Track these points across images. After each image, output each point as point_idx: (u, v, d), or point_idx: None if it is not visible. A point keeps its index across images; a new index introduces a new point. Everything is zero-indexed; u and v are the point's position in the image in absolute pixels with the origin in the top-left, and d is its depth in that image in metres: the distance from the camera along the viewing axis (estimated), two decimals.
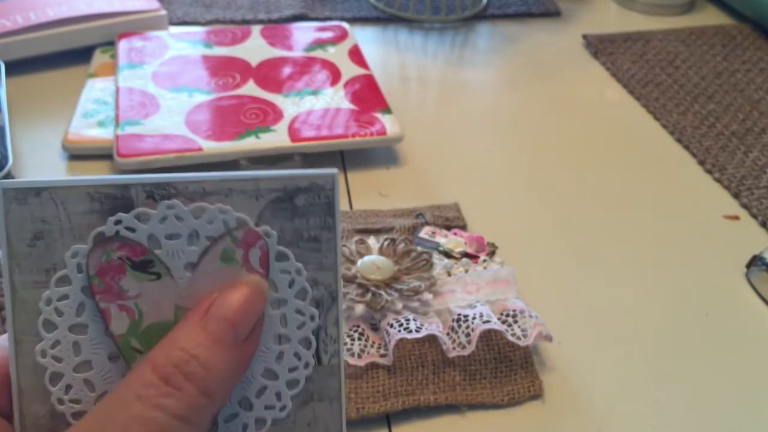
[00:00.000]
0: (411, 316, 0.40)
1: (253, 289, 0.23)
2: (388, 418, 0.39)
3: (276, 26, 0.73)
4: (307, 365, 0.24)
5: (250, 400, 0.24)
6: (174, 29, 0.73)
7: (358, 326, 0.40)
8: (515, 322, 0.41)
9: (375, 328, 0.41)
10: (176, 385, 0.21)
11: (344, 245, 0.44)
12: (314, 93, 0.62)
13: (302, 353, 0.24)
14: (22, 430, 0.23)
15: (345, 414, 0.25)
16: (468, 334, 0.40)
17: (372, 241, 0.45)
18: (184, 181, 0.23)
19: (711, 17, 0.87)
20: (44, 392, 0.23)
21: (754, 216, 0.55)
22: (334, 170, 0.24)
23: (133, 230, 0.23)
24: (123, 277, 0.23)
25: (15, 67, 0.65)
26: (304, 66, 0.66)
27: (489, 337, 0.42)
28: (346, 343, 0.39)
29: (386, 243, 0.44)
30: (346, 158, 0.59)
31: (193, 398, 0.21)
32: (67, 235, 0.23)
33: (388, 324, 0.40)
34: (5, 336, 0.24)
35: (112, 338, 0.23)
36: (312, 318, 0.24)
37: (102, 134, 0.57)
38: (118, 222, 0.23)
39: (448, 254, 0.46)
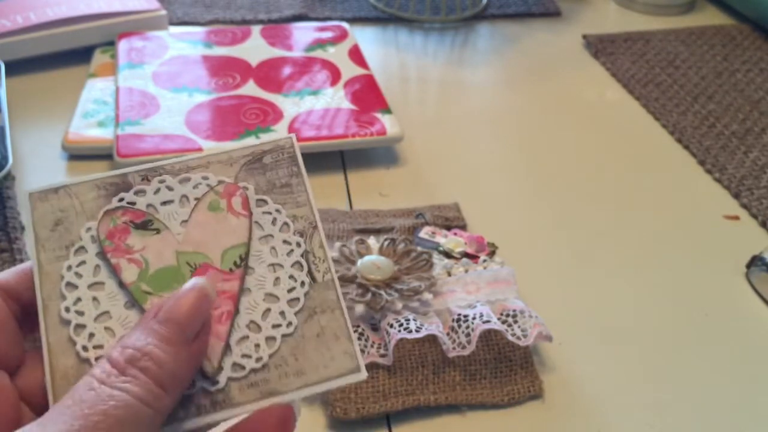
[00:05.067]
0: (411, 316, 0.40)
1: (199, 293, 0.25)
2: (388, 418, 0.39)
3: (276, 26, 0.73)
4: (303, 284, 0.27)
5: (257, 322, 0.27)
6: (174, 29, 0.73)
7: (358, 326, 0.40)
8: (515, 322, 0.41)
9: (375, 328, 0.41)
10: (133, 376, 0.22)
11: (344, 245, 0.44)
12: (314, 93, 0.62)
13: (296, 275, 0.28)
14: (53, 382, 0.25)
15: (349, 320, 0.27)
16: (468, 334, 0.40)
17: (372, 241, 0.45)
18: (171, 162, 0.29)
19: (711, 17, 0.87)
20: (70, 346, 0.26)
21: (754, 216, 0.55)
22: (292, 135, 0.30)
23: (133, 204, 0.28)
24: (128, 237, 0.27)
25: (15, 67, 0.65)
26: (304, 66, 0.66)
27: (489, 337, 0.41)
28: None
29: (386, 243, 0.44)
30: (346, 158, 0.59)
31: (149, 386, 0.22)
32: (80, 216, 0.28)
33: (388, 324, 0.40)
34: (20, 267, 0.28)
35: (125, 288, 0.26)
36: (298, 245, 0.28)
37: (102, 134, 0.57)
38: (121, 200, 0.28)
39: (448, 254, 0.46)
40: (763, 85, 0.72)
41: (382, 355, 0.40)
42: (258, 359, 0.26)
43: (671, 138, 0.64)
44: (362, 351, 0.39)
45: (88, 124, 0.58)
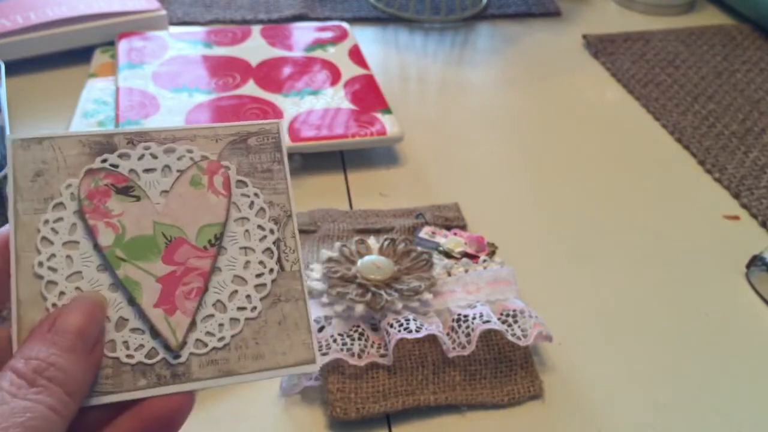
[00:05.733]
0: (411, 316, 0.40)
1: (94, 303, 0.26)
2: (388, 418, 0.40)
3: (276, 26, 0.73)
4: (271, 271, 0.28)
5: (223, 303, 0.27)
6: (174, 29, 0.73)
7: (358, 326, 0.40)
8: (515, 322, 0.41)
9: (375, 328, 0.41)
10: (42, 386, 0.23)
11: (344, 245, 0.44)
12: (314, 93, 0.62)
13: (266, 261, 0.28)
14: (19, 334, 0.26)
15: (310, 312, 0.28)
16: (468, 334, 0.40)
17: (372, 241, 0.45)
18: (157, 130, 0.29)
19: (711, 17, 0.87)
20: (39, 300, 0.26)
21: (754, 216, 0.55)
22: (279, 120, 0.30)
23: (116, 166, 0.28)
24: (108, 200, 0.27)
25: (15, 67, 0.65)
26: (304, 66, 0.66)
27: (489, 337, 0.42)
28: (346, 343, 0.39)
29: (386, 243, 0.44)
30: (346, 158, 0.59)
31: (59, 395, 0.23)
32: (62, 172, 0.27)
33: (388, 324, 0.40)
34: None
35: (99, 251, 0.27)
36: (271, 231, 0.29)
37: None
38: (104, 160, 0.28)
39: (448, 254, 0.46)
40: (763, 85, 0.72)
41: (382, 355, 0.40)
42: (220, 339, 0.27)
43: (671, 138, 0.64)
44: (362, 351, 0.39)
45: (89, 124, 0.58)
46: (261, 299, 0.28)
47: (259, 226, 0.29)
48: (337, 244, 0.44)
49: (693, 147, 0.63)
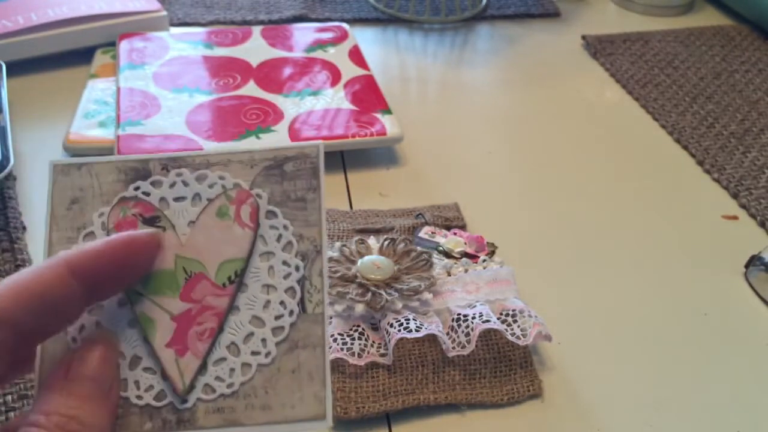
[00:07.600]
0: (411, 316, 0.40)
1: (105, 343, 0.25)
2: (388, 418, 0.40)
3: (276, 27, 0.73)
4: (291, 313, 0.26)
5: (237, 345, 0.26)
6: (175, 30, 0.74)
7: (358, 326, 0.41)
8: (515, 321, 0.41)
9: (375, 327, 0.41)
10: None
11: (344, 245, 0.44)
12: (314, 93, 0.62)
13: (287, 302, 0.26)
14: (41, 369, 0.25)
15: (328, 361, 0.26)
16: (468, 334, 0.40)
17: (372, 241, 0.45)
18: (192, 155, 0.28)
19: (710, 18, 0.87)
20: (61, 334, 0.25)
21: (753, 216, 0.55)
22: (319, 142, 0.29)
23: (148, 194, 0.27)
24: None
25: (16, 68, 0.65)
26: (305, 66, 0.66)
27: (489, 336, 0.42)
28: (346, 343, 0.39)
29: (386, 243, 0.45)
30: (346, 158, 0.59)
31: None
32: (96, 199, 0.27)
33: (388, 323, 0.40)
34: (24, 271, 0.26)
35: None
36: (297, 268, 0.27)
37: (103, 135, 0.57)
38: (137, 188, 0.27)
39: (447, 254, 0.46)
40: (761, 85, 0.73)
41: (382, 355, 0.40)
42: (229, 385, 0.25)
43: (670, 138, 0.65)
44: (362, 350, 0.40)
45: (90, 124, 0.59)
46: (277, 344, 0.26)
47: (284, 262, 0.27)
48: (337, 244, 0.44)
49: (692, 147, 0.63)
